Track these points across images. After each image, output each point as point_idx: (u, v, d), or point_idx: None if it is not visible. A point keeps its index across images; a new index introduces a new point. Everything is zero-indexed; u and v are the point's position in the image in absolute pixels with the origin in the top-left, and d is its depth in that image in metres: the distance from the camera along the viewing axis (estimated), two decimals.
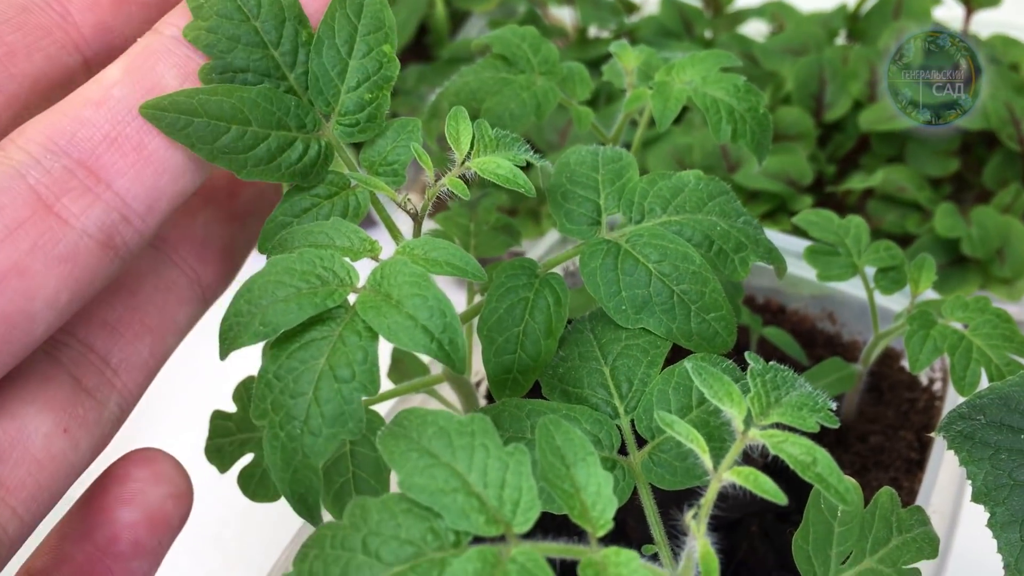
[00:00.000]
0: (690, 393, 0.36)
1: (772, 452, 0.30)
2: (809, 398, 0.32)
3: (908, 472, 0.54)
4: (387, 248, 0.35)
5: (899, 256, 0.49)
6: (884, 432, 0.56)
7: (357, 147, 0.39)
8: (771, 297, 0.66)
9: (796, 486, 0.39)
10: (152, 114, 0.31)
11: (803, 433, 0.31)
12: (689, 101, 0.44)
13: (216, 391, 0.46)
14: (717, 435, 0.35)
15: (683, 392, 0.36)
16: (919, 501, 0.47)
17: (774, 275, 0.63)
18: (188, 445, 0.43)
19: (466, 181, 0.36)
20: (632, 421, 0.37)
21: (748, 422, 0.31)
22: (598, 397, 0.38)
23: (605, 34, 0.98)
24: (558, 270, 0.41)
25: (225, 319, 0.31)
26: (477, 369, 0.57)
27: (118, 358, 0.34)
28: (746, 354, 0.33)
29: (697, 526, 0.29)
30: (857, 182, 0.76)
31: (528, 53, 0.47)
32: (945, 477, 0.49)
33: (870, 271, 0.50)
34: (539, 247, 0.60)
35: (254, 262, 0.36)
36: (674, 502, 0.36)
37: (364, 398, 0.29)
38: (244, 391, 0.43)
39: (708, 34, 0.93)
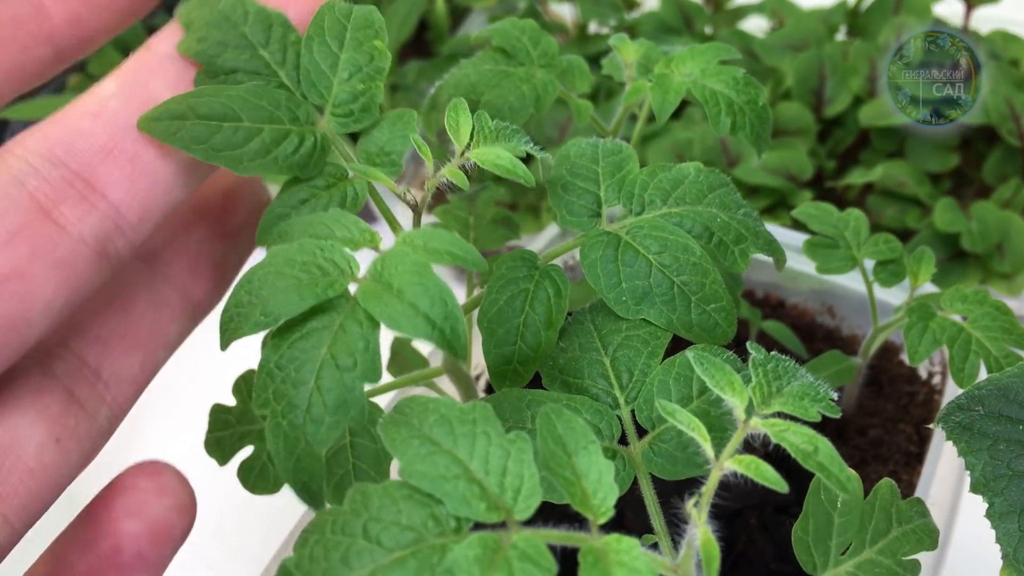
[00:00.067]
0: (691, 383, 0.36)
1: (774, 441, 0.30)
2: (811, 388, 0.32)
3: (907, 465, 0.54)
4: (387, 240, 0.35)
5: (898, 249, 0.49)
6: (883, 425, 0.56)
7: (355, 140, 0.39)
8: (771, 291, 0.66)
9: (795, 478, 0.39)
10: (148, 126, 0.32)
11: (804, 423, 0.31)
12: (688, 94, 0.44)
13: (216, 386, 0.46)
14: (718, 425, 0.35)
15: (684, 382, 0.37)
16: (918, 493, 0.47)
17: (774, 269, 0.64)
18: (188, 441, 0.43)
19: (466, 172, 0.36)
20: (633, 411, 0.37)
21: (750, 411, 0.31)
22: (598, 388, 0.38)
23: (605, 30, 0.98)
24: (558, 262, 0.41)
25: (226, 310, 0.31)
26: (477, 362, 0.57)
27: (109, 371, 0.34)
28: (748, 344, 0.33)
29: (698, 514, 0.29)
30: (857, 177, 0.76)
31: (528, 46, 0.47)
32: (944, 470, 0.49)
33: (869, 264, 0.50)
34: (539, 241, 0.60)
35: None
36: (674, 492, 0.36)
37: (367, 386, 0.29)
38: (244, 384, 0.43)
39: (708, 30, 0.93)
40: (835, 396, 0.32)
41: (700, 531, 0.29)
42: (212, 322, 0.34)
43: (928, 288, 0.52)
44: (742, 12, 0.94)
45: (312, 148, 0.36)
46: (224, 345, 0.31)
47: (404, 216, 0.38)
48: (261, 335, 0.31)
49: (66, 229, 0.30)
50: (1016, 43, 0.84)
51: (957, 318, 0.45)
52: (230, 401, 0.43)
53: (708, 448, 0.30)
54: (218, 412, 0.41)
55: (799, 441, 0.30)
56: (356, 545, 0.27)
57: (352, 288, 0.31)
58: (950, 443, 0.38)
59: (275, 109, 0.35)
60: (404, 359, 0.50)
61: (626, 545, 0.27)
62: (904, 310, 0.46)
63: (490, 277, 0.38)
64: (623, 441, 0.37)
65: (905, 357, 0.59)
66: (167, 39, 0.34)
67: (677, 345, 0.38)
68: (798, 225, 0.59)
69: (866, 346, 0.52)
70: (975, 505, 0.37)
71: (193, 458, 0.45)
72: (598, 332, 0.39)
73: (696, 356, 0.32)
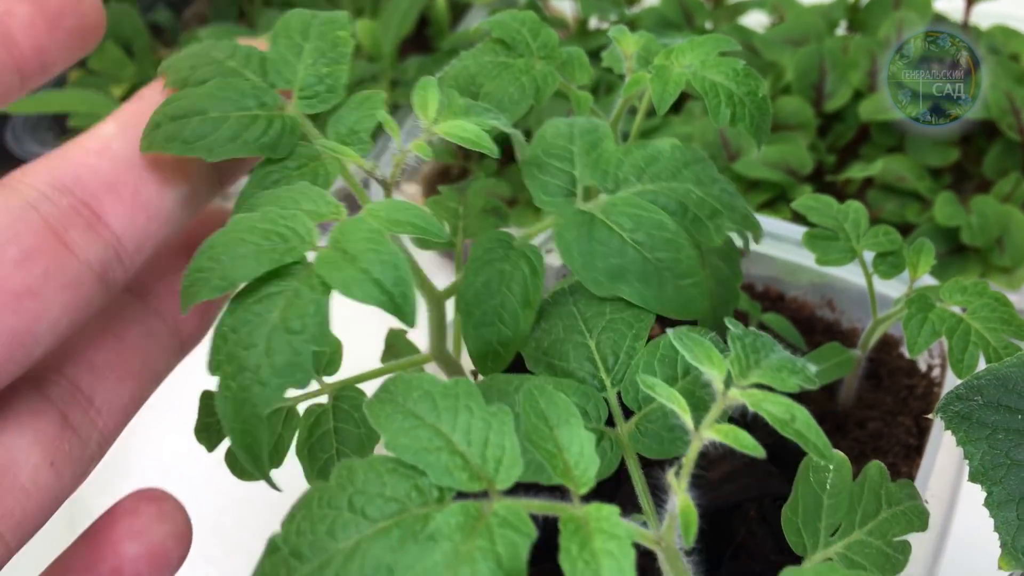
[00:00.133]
0: (675, 365, 0.37)
1: (752, 410, 0.30)
2: (788, 361, 0.32)
3: (906, 458, 0.54)
4: None
5: (897, 241, 0.49)
6: (883, 418, 0.56)
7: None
8: (770, 285, 0.66)
9: (793, 471, 0.39)
10: (146, 145, 0.35)
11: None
12: (688, 85, 0.44)
13: (214, 382, 0.46)
14: (703, 405, 0.35)
15: (668, 364, 0.37)
16: (917, 485, 0.47)
17: (774, 263, 0.64)
18: (186, 438, 0.43)
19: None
20: (619, 393, 0.37)
21: (728, 383, 0.31)
22: (584, 370, 0.38)
23: (606, 26, 0.98)
24: (554, 260, 0.41)
25: (187, 275, 0.32)
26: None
27: (102, 399, 0.35)
28: (726, 319, 0.34)
29: (678, 483, 0.29)
30: (857, 171, 0.76)
31: (527, 37, 0.47)
32: (943, 462, 0.49)
33: (869, 257, 0.50)
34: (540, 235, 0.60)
35: None
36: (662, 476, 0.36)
37: (314, 349, 0.30)
38: None
39: (709, 25, 0.93)
40: (813, 369, 0.32)
41: (680, 498, 0.29)
42: None
43: (928, 281, 0.52)
44: (742, 7, 0.94)
45: (281, 130, 0.38)
46: (184, 308, 0.32)
47: (379, 196, 0.38)
48: None
49: (75, 253, 0.32)
50: (1016, 38, 0.84)
51: (956, 309, 0.45)
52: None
53: (687, 419, 0.31)
54: (207, 399, 0.41)
55: (777, 410, 0.30)
56: (341, 517, 0.27)
57: (311, 256, 0.31)
58: (949, 435, 0.38)
59: (240, 98, 0.37)
60: (399, 351, 0.50)
61: (606, 512, 0.28)
62: (903, 302, 0.46)
63: (467, 260, 0.38)
64: (610, 423, 0.37)
65: (905, 350, 0.59)
66: (157, 90, 0.37)
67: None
68: (798, 219, 0.59)
69: (865, 338, 0.52)
70: (974, 497, 0.37)
71: (191, 454, 0.45)
72: (581, 315, 0.39)
73: (676, 333, 0.33)
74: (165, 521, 0.34)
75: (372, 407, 0.29)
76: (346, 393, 0.40)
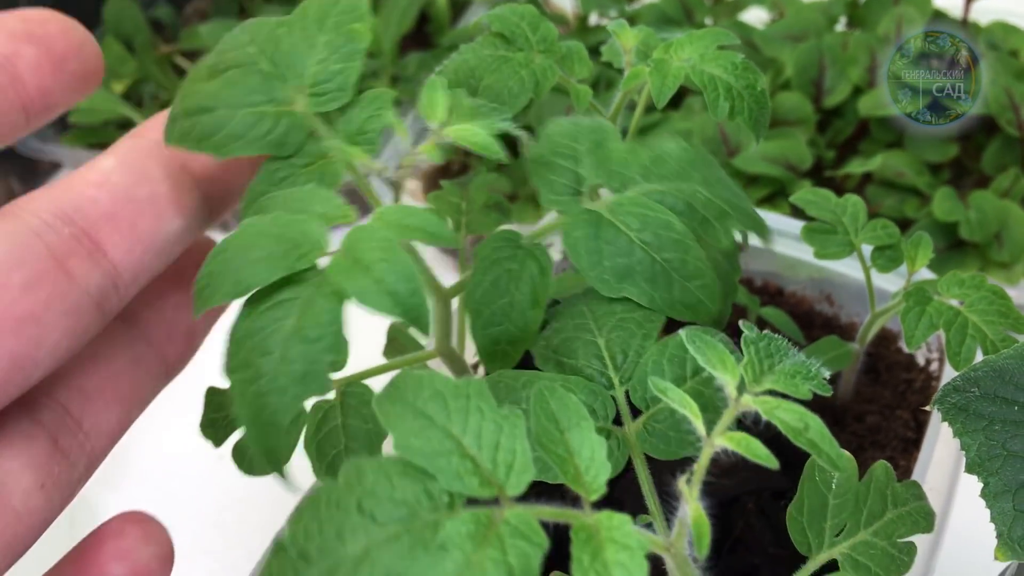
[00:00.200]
0: (684, 364, 0.37)
1: (764, 418, 0.30)
2: (803, 366, 0.32)
3: (904, 451, 0.54)
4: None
5: (896, 234, 0.49)
6: (881, 412, 0.56)
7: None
8: (769, 279, 0.67)
9: (793, 465, 0.39)
10: (168, 139, 0.36)
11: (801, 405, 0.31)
12: (687, 79, 0.44)
13: (214, 378, 0.47)
14: (711, 406, 0.35)
15: (677, 363, 0.37)
16: (915, 478, 0.48)
17: (773, 257, 0.64)
18: (188, 434, 0.44)
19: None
20: (627, 392, 0.37)
21: (741, 389, 0.31)
22: (593, 368, 0.38)
23: (606, 22, 0.98)
24: (555, 255, 0.41)
25: (200, 278, 0.32)
26: (474, 353, 0.57)
27: (90, 423, 0.36)
28: (740, 322, 0.33)
29: (690, 491, 0.29)
30: (856, 167, 0.76)
31: (527, 31, 0.47)
32: (941, 455, 0.49)
33: (867, 251, 0.50)
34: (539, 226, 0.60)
35: None
36: (668, 472, 0.36)
37: (331, 359, 0.30)
38: None
39: (708, 21, 0.93)
40: (827, 375, 0.32)
41: (691, 507, 0.29)
42: None
43: (926, 275, 0.53)
44: (742, 3, 0.94)
45: (289, 127, 0.38)
46: (197, 312, 0.32)
47: (388, 198, 0.38)
48: None
49: (76, 281, 0.33)
50: (1016, 34, 0.84)
51: (954, 303, 0.45)
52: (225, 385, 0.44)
53: (699, 425, 0.31)
54: (212, 395, 0.41)
55: (790, 418, 0.30)
56: (350, 520, 0.27)
57: (323, 262, 0.31)
58: (947, 428, 0.38)
59: (249, 93, 0.37)
60: (401, 345, 0.50)
61: (618, 522, 0.28)
62: (901, 295, 0.47)
63: (475, 259, 0.38)
64: (618, 422, 0.37)
65: (903, 344, 0.59)
66: (156, 127, 0.37)
67: (671, 330, 0.38)
68: (797, 214, 0.60)
69: (863, 332, 0.53)
70: (972, 490, 0.37)
71: (192, 451, 0.45)
72: (592, 314, 0.39)
73: (689, 334, 0.32)
74: (150, 543, 0.35)
75: (381, 404, 0.29)
76: (353, 389, 0.40)
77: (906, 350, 0.61)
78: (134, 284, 0.35)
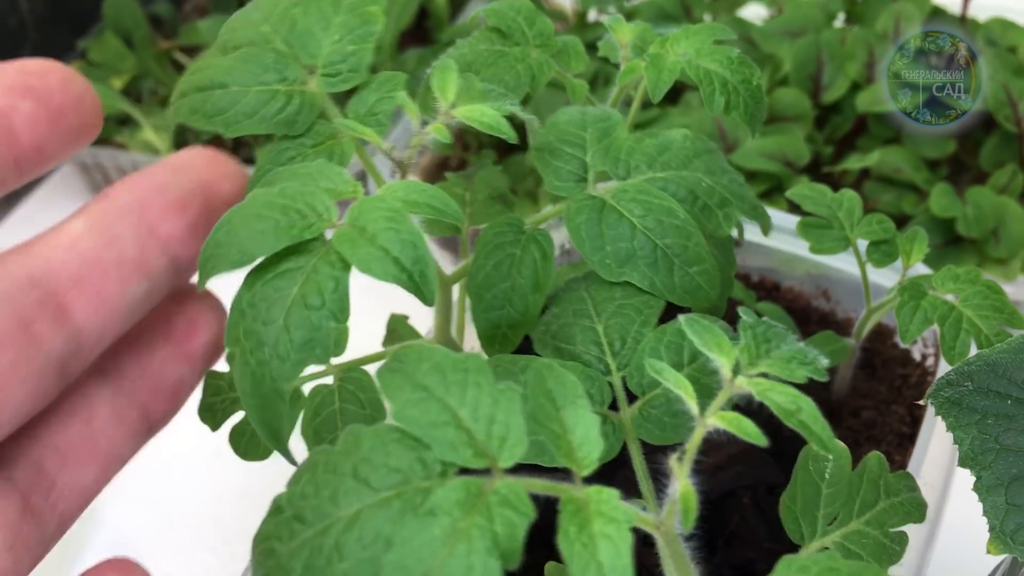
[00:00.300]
0: (682, 351, 0.37)
1: (757, 399, 0.31)
2: (799, 352, 0.32)
3: (900, 446, 0.54)
4: None
5: (891, 229, 0.49)
6: (877, 407, 0.57)
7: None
8: (766, 275, 0.67)
9: (790, 460, 0.39)
10: (175, 114, 0.37)
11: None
12: (683, 74, 0.44)
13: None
14: (707, 392, 0.35)
15: (675, 350, 0.37)
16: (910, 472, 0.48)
17: (770, 253, 0.64)
18: (188, 428, 0.44)
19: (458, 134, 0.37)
20: (624, 378, 0.38)
21: (736, 371, 0.32)
22: (590, 354, 0.38)
23: (605, 18, 0.98)
24: (559, 244, 0.41)
25: (205, 249, 0.32)
26: (473, 344, 0.57)
27: (64, 482, 0.36)
28: (738, 308, 0.34)
29: (680, 468, 0.30)
30: (854, 163, 0.76)
31: (523, 26, 0.48)
32: (935, 450, 0.49)
33: (863, 245, 0.50)
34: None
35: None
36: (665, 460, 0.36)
37: (333, 325, 0.30)
38: None
39: (707, 18, 0.93)
40: (825, 362, 0.32)
41: (680, 483, 0.29)
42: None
43: (922, 270, 0.53)
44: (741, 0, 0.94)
45: (300, 107, 0.38)
46: (202, 283, 0.32)
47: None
48: None
49: (40, 345, 0.33)
50: (1014, 30, 0.84)
51: (949, 297, 0.45)
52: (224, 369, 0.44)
53: (693, 405, 0.31)
54: (212, 379, 0.41)
55: (782, 400, 0.30)
56: (345, 484, 0.27)
57: (329, 233, 0.32)
58: (942, 423, 0.38)
59: (262, 72, 0.37)
60: (401, 335, 0.50)
61: (606, 495, 0.28)
62: (896, 290, 0.47)
63: (477, 243, 0.39)
64: (614, 407, 0.37)
65: (899, 340, 0.59)
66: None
67: (669, 319, 0.38)
68: (795, 209, 0.60)
69: (859, 327, 0.53)
70: (966, 484, 0.38)
71: (191, 446, 0.45)
72: (591, 300, 0.39)
73: (686, 319, 0.33)
74: None
75: (383, 376, 0.29)
76: (352, 375, 0.40)
77: (902, 345, 0.61)
78: (98, 346, 0.35)
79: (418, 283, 0.30)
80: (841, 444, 0.38)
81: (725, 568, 0.49)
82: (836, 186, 0.77)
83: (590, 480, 0.29)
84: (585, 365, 0.38)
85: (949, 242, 0.73)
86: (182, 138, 0.95)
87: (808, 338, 0.53)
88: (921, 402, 0.39)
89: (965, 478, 0.37)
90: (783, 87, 0.81)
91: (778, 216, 0.61)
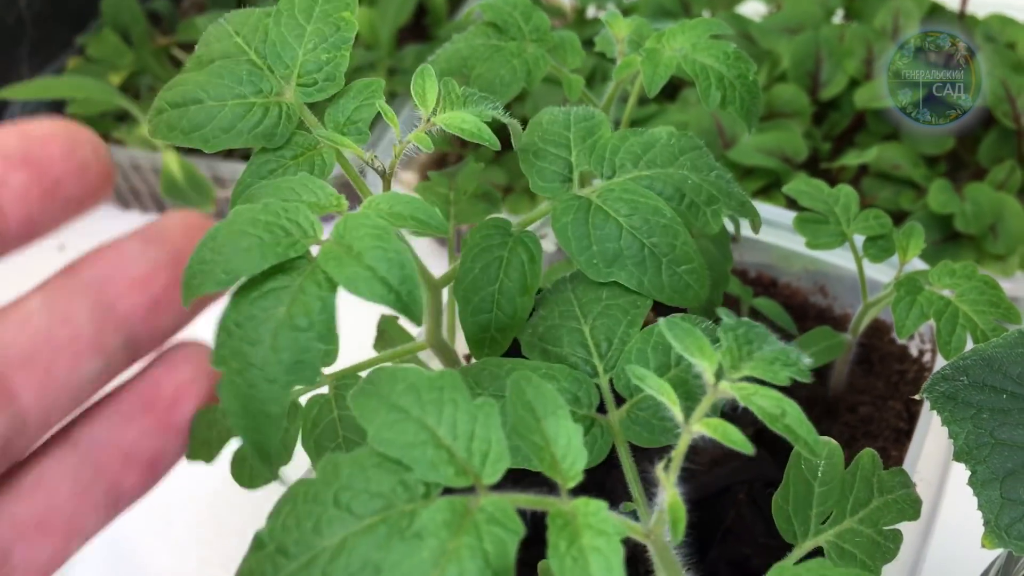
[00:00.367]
0: (668, 352, 0.36)
1: (742, 404, 0.30)
2: (782, 353, 0.32)
3: (896, 442, 0.54)
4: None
5: (888, 224, 0.49)
6: (873, 403, 0.57)
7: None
8: (763, 271, 0.67)
9: (785, 454, 0.39)
10: (153, 132, 0.37)
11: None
12: (679, 69, 0.44)
13: None
14: (695, 395, 0.35)
15: (661, 351, 0.37)
16: (905, 468, 0.48)
17: (767, 249, 0.64)
18: None
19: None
20: (611, 380, 0.37)
21: (719, 375, 0.31)
22: (577, 356, 0.38)
23: (603, 14, 0.98)
24: (549, 246, 0.41)
25: (189, 267, 0.31)
26: (465, 345, 0.57)
27: (19, 556, 0.34)
28: (718, 310, 0.33)
29: (667, 477, 0.29)
30: (852, 159, 0.76)
31: (519, 21, 0.48)
32: (931, 445, 0.49)
33: (860, 241, 0.50)
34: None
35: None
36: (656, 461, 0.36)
37: (321, 347, 0.29)
38: None
39: (706, 14, 0.93)
40: (809, 362, 0.32)
41: (668, 493, 0.29)
42: (209, 313, 0.35)
43: (919, 265, 0.53)
44: None
45: (277, 119, 0.38)
46: (186, 301, 0.32)
47: (377, 186, 0.38)
48: None
49: None
50: (1013, 26, 0.84)
51: (945, 292, 0.45)
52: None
53: (677, 412, 0.30)
54: (202, 415, 0.38)
55: (767, 404, 0.30)
56: (327, 514, 0.27)
57: (314, 250, 0.31)
58: (938, 419, 0.38)
59: (237, 85, 0.37)
60: (391, 337, 0.50)
61: (594, 508, 0.27)
62: (892, 285, 0.47)
63: (464, 246, 0.38)
64: (601, 409, 0.37)
65: (896, 335, 0.59)
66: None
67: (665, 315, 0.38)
68: (792, 206, 0.60)
69: (856, 322, 0.53)
70: (962, 479, 0.37)
71: None
72: (578, 301, 0.39)
73: (667, 322, 0.32)
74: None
75: (357, 400, 0.29)
76: (347, 382, 0.40)
77: (899, 341, 0.61)
78: (44, 427, 0.34)
79: (406, 302, 0.30)
80: (833, 442, 0.38)
81: (721, 564, 0.49)
82: (834, 182, 0.77)
83: (578, 490, 0.29)
84: (572, 367, 0.37)
85: (947, 238, 0.73)
86: None
87: (805, 334, 0.53)
88: (916, 397, 0.39)
89: (962, 473, 0.37)
90: (781, 83, 0.81)
91: (776, 212, 0.61)
